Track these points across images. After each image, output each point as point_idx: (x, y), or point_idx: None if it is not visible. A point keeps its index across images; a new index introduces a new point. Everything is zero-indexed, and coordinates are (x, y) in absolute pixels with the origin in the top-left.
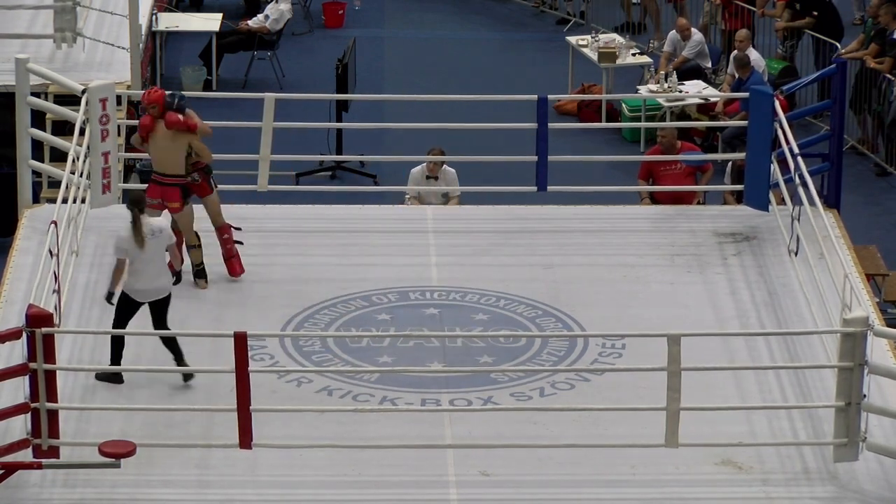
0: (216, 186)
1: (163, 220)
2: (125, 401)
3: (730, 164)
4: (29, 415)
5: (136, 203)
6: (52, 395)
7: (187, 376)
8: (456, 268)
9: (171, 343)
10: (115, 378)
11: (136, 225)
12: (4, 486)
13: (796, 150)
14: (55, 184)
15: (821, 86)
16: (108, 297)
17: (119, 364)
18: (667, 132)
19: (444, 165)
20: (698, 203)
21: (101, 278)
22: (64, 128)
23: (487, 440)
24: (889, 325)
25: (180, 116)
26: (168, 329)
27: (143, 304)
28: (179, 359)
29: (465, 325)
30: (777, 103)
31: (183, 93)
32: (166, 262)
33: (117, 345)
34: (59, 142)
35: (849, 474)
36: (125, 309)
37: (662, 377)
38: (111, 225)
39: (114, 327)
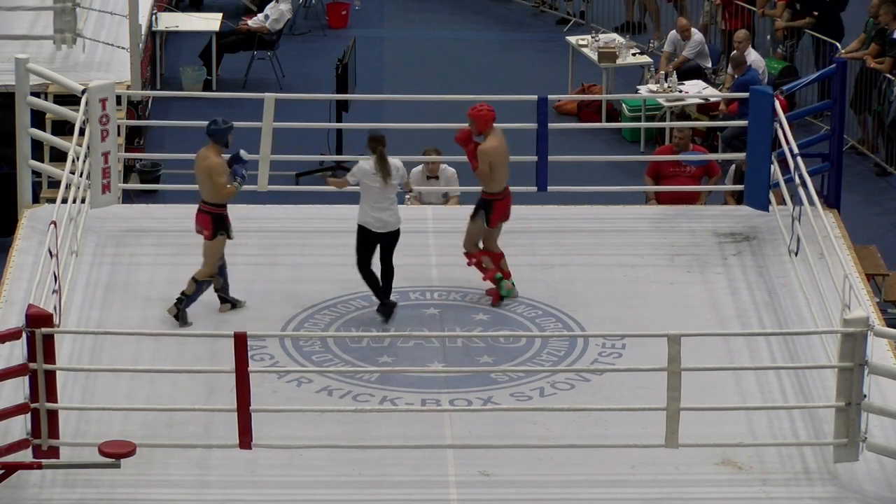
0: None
1: (398, 161)
2: (125, 401)
3: (733, 166)
4: (29, 415)
5: (379, 141)
6: (52, 395)
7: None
8: (456, 268)
9: (385, 277)
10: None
11: (382, 161)
12: (4, 486)
13: (796, 150)
14: (55, 184)
15: (821, 86)
16: (331, 174)
17: (388, 296)
18: (684, 133)
19: (445, 165)
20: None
21: (102, 278)
22: (64, 128)
23: (487, 440)
24: (889, 325)
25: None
26: (392, 266)
27: (378, 234)
28: (379, 293)
29: (465, 325)
30: (777, 103)
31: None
32: (396, 199)
33: (372, 282)
34: (59, 142)
35: (849, 474)
36: (363, 242)
37: (662, 377)
38: (111, 225)
39: (358, 264)
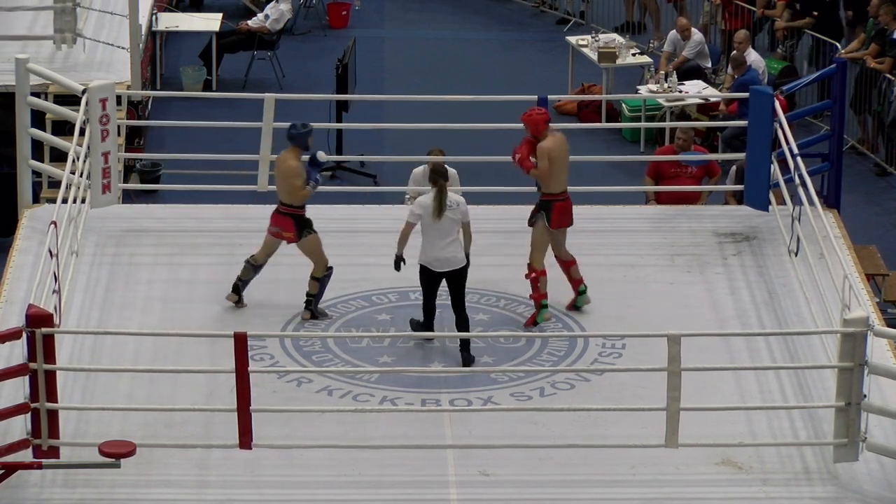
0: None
1: (459, 196)
2: (125, 401)
3: (734, 168)
4: (29, 415)
5: (441, 174)
6: (52, 395)
7: (466, 360)
8: None
9: (459, 325)
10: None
11: (439, 195)
12: (4, 486)
13: (796, 150)
14: (55, 184)
15: (821, 86)
16: (396, 263)
17: (431, 327)
18: (687, 134)
19: (445, 165)
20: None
21: (102, 278)
22: (64, 128)
23: (487, 440)
24: (889, 325)
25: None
26: (463, 304)
27: (440, 273)
28: (463, 347)
29: None
30: (777, 103)
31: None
32: (458, 235)
33: (428, 316)
34: (59, 142)
35: (849, 474)
36: (425, 280)
37: (662, 377)
38: (111, 225)
39: (423, 302)
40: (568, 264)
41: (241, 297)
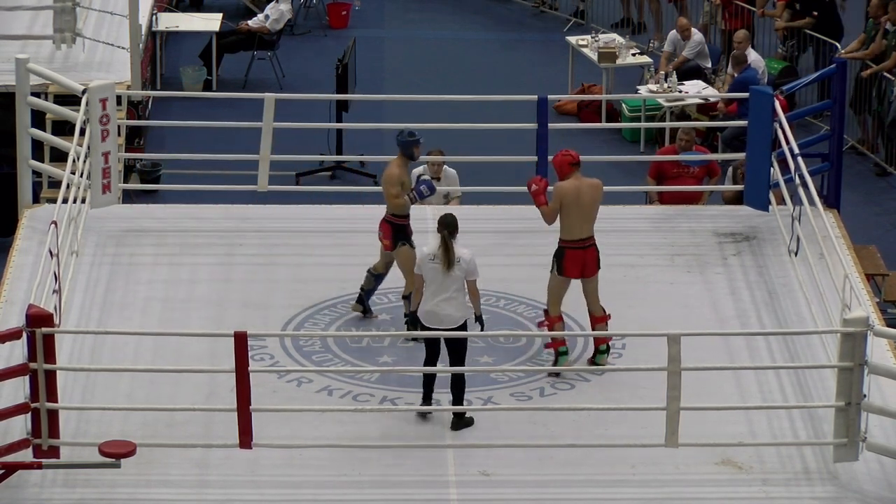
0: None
1: (467, 252)
2: (125, 401)
3: (731, 170)
4: (29, 415)
5: (447, 226)
6: (52, 395)
7: (455, 425)
8: None
9: (452, 385)
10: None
11: (445, 248)
12: (4, 486)
13: (796, 150)
14: (55, 184)
15: (821, 86)
16: (412, 321)
17: (430, 395)
18: (689, 135)
19: (445, 166)
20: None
21: (102, 278)
22: (64, 128)
23: (487, 440)
24: (889, 325)
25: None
26: (463, 365)
27: (436, 330)
28: (457, 401)
29: None
30: (777, 103)
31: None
32: (461, 292)
33: (426, 385)
34: (59, 142)
35: (849, 474)
36: (425, 339)
37: (662, 377)
38: (111, 225)
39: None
40: (596, 320)
41: (366, 307)
